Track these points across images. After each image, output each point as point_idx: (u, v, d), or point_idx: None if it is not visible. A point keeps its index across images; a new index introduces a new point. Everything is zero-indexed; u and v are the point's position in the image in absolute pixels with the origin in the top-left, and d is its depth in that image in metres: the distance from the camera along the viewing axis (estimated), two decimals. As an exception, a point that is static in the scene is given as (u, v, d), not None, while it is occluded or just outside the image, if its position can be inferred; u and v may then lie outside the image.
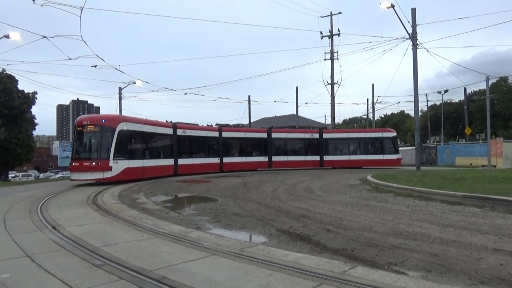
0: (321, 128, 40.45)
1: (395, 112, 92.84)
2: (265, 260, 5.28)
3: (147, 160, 22.21)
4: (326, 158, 33.88)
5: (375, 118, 51.54)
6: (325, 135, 34.53)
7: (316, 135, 34.41)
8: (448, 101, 72.20)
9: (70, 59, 20.36)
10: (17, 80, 39.40)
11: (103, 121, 19.09)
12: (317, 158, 33.88)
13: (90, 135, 18.80)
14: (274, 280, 4.44)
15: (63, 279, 4.59)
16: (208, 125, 31.92)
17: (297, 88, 42.36)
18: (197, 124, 29.94)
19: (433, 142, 52.41)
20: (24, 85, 44.31)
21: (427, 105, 63.25)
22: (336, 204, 10.87)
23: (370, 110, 48.46)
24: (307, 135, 34.77)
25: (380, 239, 6.67)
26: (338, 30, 39.11)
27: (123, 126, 19.65)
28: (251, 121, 46.33)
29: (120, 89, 36.30)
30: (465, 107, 48.92)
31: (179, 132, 26.15)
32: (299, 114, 42.82)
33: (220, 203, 11.77)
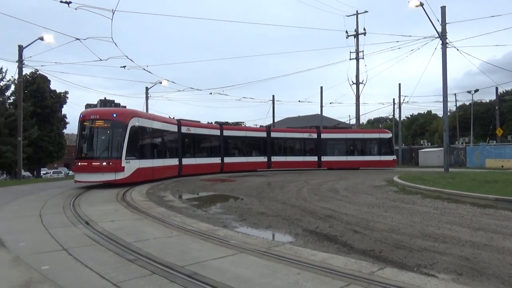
0: (319, 127, 39.98)
1: (422, 112, 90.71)
2: (293, 259, 5.34)
3: (156, 160, 20.42)
4: (324, 158, 33.12)
5: (401, 118, 50.58)
6: (323, 135, 33.79)
7: (314, 135, 33.64)
8: (478, 101, 69.92)
9: (101, 60, 20.99)
10: (49, 80, 40.92)
11: (115, 115, 16.62)
12: (315, 158, 33.13)
13: (99, 131, 16.63)
14: (303, 279, 4.49)
15: (99, 272, 4.80)
16: (208, 122, 29.69)
17: (321, 88, 42.14)
18: (199, 121, 28.28)
19: (462, 143, 50.96)
20: (56, 85, 45.81)
21: (456, 105, 61.57)
22: (362, 205, 10.78)
23: (397, 111, 47.58)
24: (305, 135, 33.90)
25: (409, 241, 6.60)
26: (364, 29, 38.70)
27: (135, 122, 17.47)
28: (275, 121, 46.36)
29: (147, 89, 37.11)
30: (496, 107, 47.30)
31: (184, 129, 24.66)
32: (324, 114, 42.53)
33: (245, 202, 11.88)
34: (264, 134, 31.79)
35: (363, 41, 56.37)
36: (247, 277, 4.61)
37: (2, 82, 35.08)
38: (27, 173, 39.90)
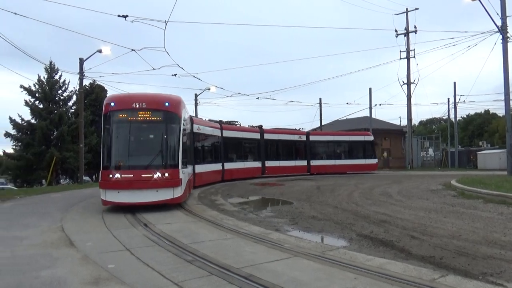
0: (368, 129, 38.21)
1: (479, 111, 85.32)
2: (348, 263, 5.27)
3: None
4: (313, 163, 30.51)
5: (457, 119, 47.92)
6: (311, 138, 31.21)
7: (304, 137, 30.89)
8: (545, 98, 64.41)
9: (154, 69, 21.90)
10: (106, 90, 43.32)
11: (167, 104, 11.22)
12: (304, 163, 30.37)
13: (147, 127, 11.41)
14: (360, 284, 4.43)
15: (160, 271, 5.03)
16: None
17: (370, 89, 41.01)
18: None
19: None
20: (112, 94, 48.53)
21: (519, 103, 57.17)
22: (418, 210, 10.37)
23: (452, 111, 45.20)
24: (295, 137, 30.58)
25: (472, 247, 6.27)
26: (415, 27, 37.29)
27: (185, 114, 12.81)
28: (323, 123, 45.82)
29: (196, 95, 38.20)
30: None
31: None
32: (373, 116, 41.37)
33: (295, 206, 11.87)
34: (257, 136, 27.78)
35: (414, 40, 53.90)
36: (302, 281, 4.63)
37: (65, 93, 37.78)
38: (87, 178, 42.47)
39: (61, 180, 37.64)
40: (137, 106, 10.90)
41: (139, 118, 11.00)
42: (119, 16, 14.73)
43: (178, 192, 10.94)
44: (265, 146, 27.66)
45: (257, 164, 26.96)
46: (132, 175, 10.53)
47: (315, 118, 44.47)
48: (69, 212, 10.92)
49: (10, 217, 10.15)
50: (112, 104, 10.96)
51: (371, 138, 33.23)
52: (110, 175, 10.45)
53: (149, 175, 10.53)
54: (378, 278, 4.63)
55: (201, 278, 4.75)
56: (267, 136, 27.91)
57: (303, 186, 19.36)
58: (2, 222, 9.21)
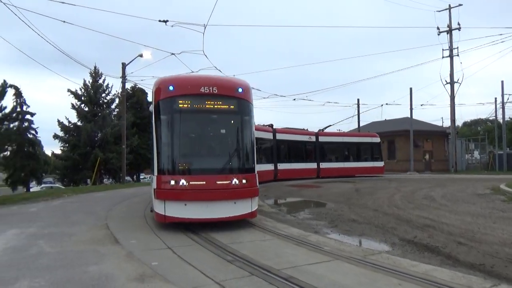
0: (408, 131, 36.67)
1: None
2: (392, 269, 5.11)
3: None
4: (322, 165, 28.58)
5: (505, 119, 45.39)
6: (321, 138, 29.05)
7: (313, 138, 28.70)
8: None
9: (193, 72, 22.33)
10: (146, 93, 44.72)
11: (240, 90, 8.76)
12: (313, 165, 28.28)
13: (217, 118, 9.01)
14: (406, 290, 4.28)
15: (202, 270, 5.11)
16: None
17: (411, 89, 39.60)
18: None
19: None
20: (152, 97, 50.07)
21: None
22: (465, 215, 9.90)
23: (499, 111, 42.83)
24: (305, 138, 28.24)
25: (526, 256, 5.90)
26: (458, 24, 35.63)
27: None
28: (360, 125, 44.88)
29: (232, 97, 38.49)
30: None
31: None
32: (414, 117, 39.97)
33: (334, 209, 11.68)
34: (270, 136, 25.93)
35: (458, 37, 51.71)
36: (344, 284, 4.54)
37: (108, 96, 39.39)
38: (128, 178, 44.02)
39: (104, 180, 39.26)
40: (207, 91, 8.34)
41: (207, 107, 8.54)
42: (160, 21, 15.21)
43: (255, 204, 8.46)
44: (277, 148, 25.89)
45: (270, 166, 25.00)
46: (204, 182, 7.90)
47: (352, 119, 43.56)
48: (113, 211, 11.34)
49: (59, 215, 10.69)
50: (171, 88, 8.32)
51: (378, 139, 31.94)
52: (172, 182, 7.76)
53: (225, 182, 8.05)
54: (424, 285, 4.46)
55: (241, 278, 4.78)
56: (278, 136, 26.00)
57: (341, 188, 19.03)
58: (52, 219, 9.71)
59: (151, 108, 8.96)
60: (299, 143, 27.86)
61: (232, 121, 8.89)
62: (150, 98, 44.42)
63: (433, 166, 40.35)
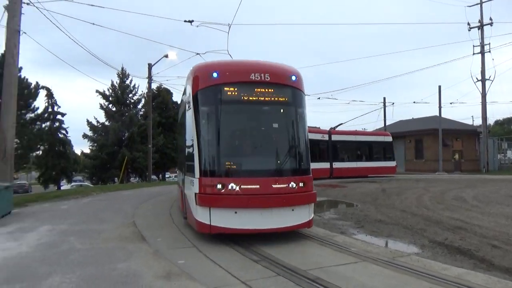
0: (437, 130, 35.38)
1: None
2: (422, 271, 4.94)
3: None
4: (335, 165, 27.65)
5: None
6: (334, 137, 28.14)
7: (326, 136, 27.70)
8: None
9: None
10: (171, 93, 45.40)
11: (294, 78, 7.66)
12: (326, 165, 27.16)
13: (269, 110, 7.75)
14: (438, 294, 4.14)
15: (228, 269, 5.11)
16: None
17: (439, 87, 38.47)
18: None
19: None
20: (177, 97, 50.72)
21: None
22: (499, 217, 9.51)
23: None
24: (318, 136, 26.45)
25: None
26: (490, 19, 34.31)
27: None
28: (386, 124, 43.99)
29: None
30: None
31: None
32: (442, 115, 38.78)
33: (360, 209, 11.48)
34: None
35: (489, 33, 49.83)
36: (372, 286, 4.44)
37: (135, 96, 40.23)
38: (154, 177, 44.82)
39: (131, 178, 40.15)
40: (258, 78, 7.12)
41: (258, 98, 7.22)
42: (185, 21, 15.38)
43: (312, 211, 7.23)
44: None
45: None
46: (258, 186, 6.67)
47: (378, 118, 42.71)
48: (140, 209, 11.55)
49: (88, 212, 10.97)
50: (215, 74, 7.11)
51: (390, 138, 31.13)
52: (219, 185, 6.58)
53: (282, 186, 6.80)
54: (458, 289, 4.29)
55: (268, 278, 4.75)
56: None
57: (367, 189, 18.69)
58: (82, 217, 9.97)
59: (187, 99, 7.70)
60: (312, 142, 27.13)
61: (286, 115, 7.56)
62: (173, 96, 45.02)
63: (463, 166, 39.06)
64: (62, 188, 36.37)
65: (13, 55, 12.19)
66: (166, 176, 50.99)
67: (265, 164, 7.20)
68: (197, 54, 18.03)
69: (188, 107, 7.53)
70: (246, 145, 7.48)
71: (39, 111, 36.11)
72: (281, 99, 7.43)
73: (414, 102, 52.21)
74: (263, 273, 4.95)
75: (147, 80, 28.67)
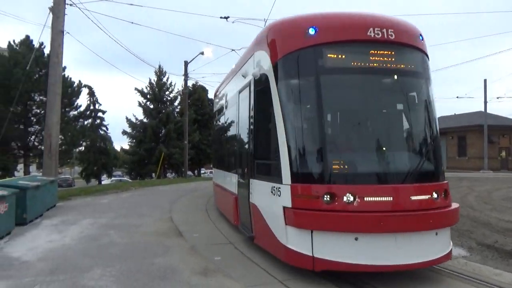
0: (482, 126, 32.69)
1: None
2: (472, 277, 4.66)
3: None
4: None
5: None
6: None
7: None
8: None
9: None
10: (207, 90, 45.95)
11: (421, 38, 5.23)
12: None
13: (395, 85, 5.15)
14: (491, 302, 3.84)
15: (265, 268, 5.02)
16: None
17: (485, 80, 36.51)
18: None
19: None
20: (212, 94, 51.43)
21: None
22: (554, 219, 8.85)
23: None
24: None
25: None
26: (543, 7, 32.00)
27: None
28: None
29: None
30: None
31: None
32: (488, 110, 36.79)
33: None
34: None
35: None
36: (418, 291, 4.18)
37: (171, 94, 41.03)
38: (189, 173, 45.62)
39: (167, 174, 41.05)
40: (378, 35, 4.83)
41: (379, 65, 4.94)
42: (221, 17, 15.43)
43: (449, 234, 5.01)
44: None
45: None
46: (391, 198, 4.48)
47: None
48: (177, 204, 11.71)
49: (127, 206, 11.25)
50: (311, 31, 4.88)
51: None
52: (327, 197, 4.43)
53: (423, 197, 4.60)
54: (513, 297, 3.97)
55: (302, 278, 4.61)
56: None
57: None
58: (122, 211, 10.24)
59: (254, 73, 5.57)
60: None
61: (416, 90, 5.20)
62: (208, 93, 45.54)
63: (511, 165, 36.94)
64: (102, 182, 37.78)
65: (58, 55, 12.68)
66: (201, 172, 51.80)
67: (396, 163, 4.85)
68: (233, 50, 18.04)
69: (259, 84, 5.53)
70: (364, 135, 5.08)
71: (82, 109, 37.61)
72: (409, 67, 5.07)
73: (457, 97, 49.35)
74: (296, 273, 4.80)
75: (183, 77, 29.11)
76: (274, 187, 4.91)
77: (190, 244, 6.43)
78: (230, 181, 7.63)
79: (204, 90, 45.20)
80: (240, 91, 6.97)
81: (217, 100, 10.93)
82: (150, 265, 5.14)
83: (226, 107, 8.77)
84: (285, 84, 4.98)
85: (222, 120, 9.26)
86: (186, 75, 28.73)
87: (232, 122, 7.70)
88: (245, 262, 5.36)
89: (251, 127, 5.94)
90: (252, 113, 5.93)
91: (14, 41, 29.11)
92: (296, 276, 4.64)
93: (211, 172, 60.77)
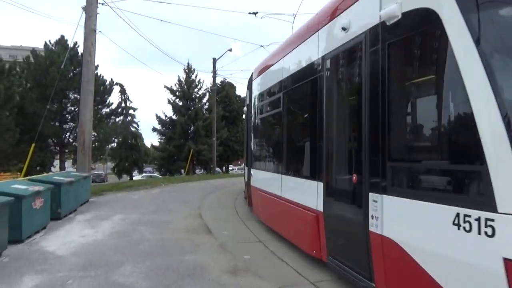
0: None
1: None
2: None
3: None
4: None
5: None
6: None
7: None
8: None
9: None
10: (235, 87, 46.12)
11: None
12: None
13: None
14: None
15: (296, 268, 4.89)
16: None
17: None
18: None
19: None
20: (240, 91, 51.55)
21: None
22: None
23: None
24: None
25: None
26: None
27: None
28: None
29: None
30: None
31: None
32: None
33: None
34: None
35: None
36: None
37: (200, 91, 41.45)
38: (218, 169, 46.03)
39: (196, 171, 41.58)
40: None
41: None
42: (249, 13, 15.35)
43: None
44: None
45: None
46: None
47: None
48: (206, 200, 11.75)
49: (157, 202, 11.38)
50: None
51: None
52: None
53: None
54: None
55: (336, 280, 4.45)
56: None
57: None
58: (152, 207, 10.36)
59: (399, 10, 3.32)
60: None
61: None
62: (236, 90, 45.55)
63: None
64: (133, 178, 38.73)
65: (90, 53, 12.98)
66: (229, 168, 52.13)
67: None
68: (261, 46, 17.95)
69: (398, 30, 3.36)
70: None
71: (113, 106, 38.63)
72: None
73: None
74: (333, 274, 4.65)
75: (211, 74, 29.33)
76: (468, 216, 2.60)
77: (220, 241, 6.38)
78: (301, 190, 5.45)
79: (232, 87, 45.41)
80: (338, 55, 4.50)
81: (265, 80, 7.94)
82: (179, 262, 5.12)
83: (293, 82, 6.12)
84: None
85: (287, 100, 6.45)
86: (214, 72, 28.91)
87: (314, 100, 5.04)
88: (275, 262, 5.25)
89: (380, 101, 3.53)
90: (375, 79, 3.61)
91: (50, 41, 30.17)
92: (329, 278, 4.49)
93: (239, 169, 61.16)
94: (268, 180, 7.27)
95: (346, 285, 4.26)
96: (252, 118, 9.04)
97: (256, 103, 8.70)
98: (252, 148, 9.11)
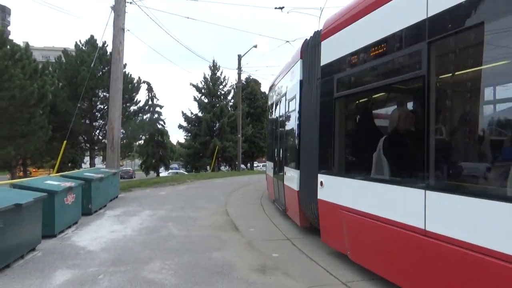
0: None
1: None
2: None
3: None
4: None
5: None
6: None
7: None
8: None
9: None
10: (260, 83, 46.05)
11: None
12: None
13: None
14: None
15: (325, 267, 4.77)
16: None
17: None
18: None
19: None
20: (266, 87, 51.43)
21: None
22: None
23: None
24: None
25: None
26: None
27: None
28: None
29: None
30: None
31: None
32: None
33: None
34: None
35: None
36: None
37: (225, 88, 41.62)
38: (243, 166, 46.14)
39: (221, 167, 41.81)
40: None
41: None
42: (275, 8, 15.22)
43: None
44: None
45: None
46: None
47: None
48: (232, 197, 11.75)
49: (184, 199, 11.47)
50: None
51: None
52: None
53: None
54: None
55: (369, 281, 4.30)
56: None
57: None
58: (179, 203, 10.44)
59: None
60: None
61: None
62: (261, 86, 45.43)
63: None
64: (160, 175, 39.35)
65: (119, 52, 13.19)
66: (254, 165, 52.19)
67: None
68: (287, 42, 17.77)
69: None
70: None
71: (141, 104, 39.33)
72: None
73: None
74: (364, 275, 4.50)
75: (236, 71, 29.36)
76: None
77: (247, 239, 6.34)
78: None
79: (257, 83, 45.37)
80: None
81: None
82: (207, 259, 5.10)
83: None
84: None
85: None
86: (239, 68, 28.92)
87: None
88: (304, 260, 5.15)
89: None
90: None
91: (80, 41, 30.98)
92: (361, 279, 4.35)
93: (263, 166, 61.00)
94: (378, 195, 4.07)
95: (380, 285, 4.12)
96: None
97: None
98: (331, 144, 5.20)
